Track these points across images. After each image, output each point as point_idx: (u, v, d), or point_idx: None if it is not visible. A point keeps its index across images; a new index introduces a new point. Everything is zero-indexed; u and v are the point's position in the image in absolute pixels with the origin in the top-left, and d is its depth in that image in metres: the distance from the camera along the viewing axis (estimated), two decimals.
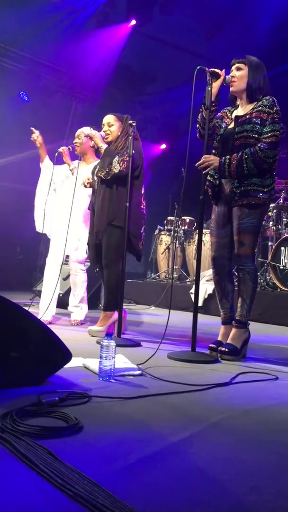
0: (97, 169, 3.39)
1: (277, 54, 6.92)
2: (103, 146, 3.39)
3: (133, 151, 3.27)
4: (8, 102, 7.69)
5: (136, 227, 3.35)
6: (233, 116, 2.92)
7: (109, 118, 3.49)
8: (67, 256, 4.06)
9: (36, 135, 3.96)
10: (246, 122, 2.77)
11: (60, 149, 3.94)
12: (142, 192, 3.44)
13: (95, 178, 3.45)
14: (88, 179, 3.57)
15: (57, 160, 3.97)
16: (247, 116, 2.78)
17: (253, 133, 2.74)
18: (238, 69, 2.85)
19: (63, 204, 3.94)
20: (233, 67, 2.88)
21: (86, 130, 3.88)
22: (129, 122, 3.31)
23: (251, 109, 2.81)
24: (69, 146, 3.97)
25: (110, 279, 3.36)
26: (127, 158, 3.24)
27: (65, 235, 3.79)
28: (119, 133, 3.44)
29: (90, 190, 3.70)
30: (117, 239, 3.30)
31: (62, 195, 4.01)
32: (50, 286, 3.88)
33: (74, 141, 3.98)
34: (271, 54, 6.25)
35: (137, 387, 1.97)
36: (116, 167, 3.25)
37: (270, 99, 2.77)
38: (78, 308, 3.99)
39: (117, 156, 3.26)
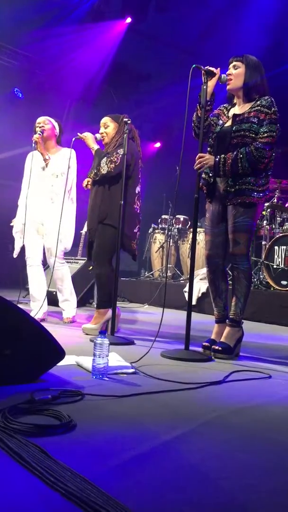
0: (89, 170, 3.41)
1: (273, 54, 6.93)
2: (94, 147, 3.41)
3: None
4: (2, 99, 7.64)
5: (128, 226, 3.34)
6: (230, 114, 2.91)
7: (105, 120, 3.50)
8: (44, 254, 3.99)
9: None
10: (244, 121, 2.76)
11: (35, 138, 3.77)
12: (137, 191, 3.42)
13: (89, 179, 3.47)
14: (88, 181, 3.55)
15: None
16: (245, 115, 2.77)
17: (251, 132, 2.73)
18: (235, 67, 2.83)
19: (38, 197, 3.83)
20: (230, 65, 2.86)
21: (49, 118, 3.92)
22: (124, 120, 3.30)
23: (249, 108, 2.80)
24: (38, 133, 3.79)
25: (101, 277, 3.36)
26: (115, 159, 3.24)
27: (41, 229, 3.80)
28: (114, 134, 3.44)
29: (64, 181, 3.76)
30: (109, 238, 3.29)
31: (36, 189, 3.84)
32: (38, 285, 3.86)
33: (41, 126, 3.82)
34: (267, 54, 6.26)
35: (130, 385, 1.97)
36: (104, 168, 3.26)
37: (269, 99, 2.77)
38: (68, 302, 3.95)
39: (105, 157, 3.28)
